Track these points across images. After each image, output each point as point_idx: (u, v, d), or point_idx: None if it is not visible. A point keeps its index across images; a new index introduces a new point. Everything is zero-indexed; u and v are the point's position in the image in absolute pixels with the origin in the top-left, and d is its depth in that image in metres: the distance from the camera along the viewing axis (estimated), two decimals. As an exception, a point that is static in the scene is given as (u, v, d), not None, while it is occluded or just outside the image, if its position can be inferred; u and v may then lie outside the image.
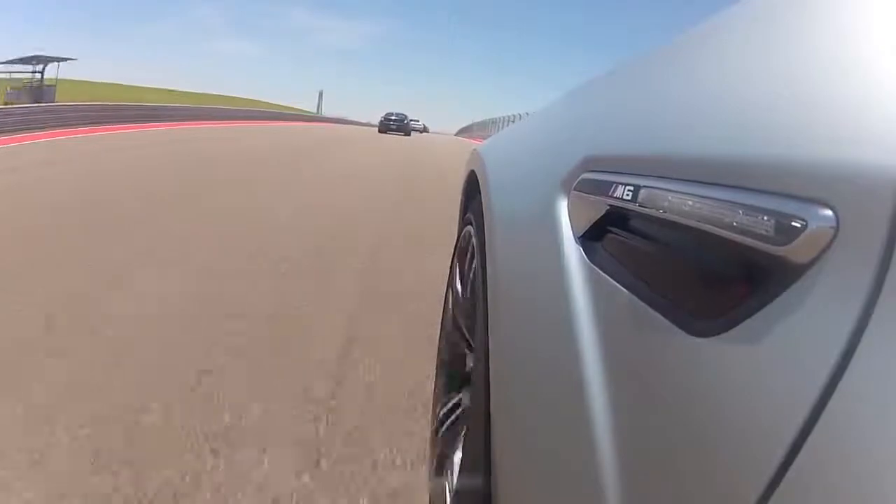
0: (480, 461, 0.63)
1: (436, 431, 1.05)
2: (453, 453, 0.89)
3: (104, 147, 7.59)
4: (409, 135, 25.02)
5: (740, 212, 0.27)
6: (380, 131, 24.56)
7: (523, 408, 0.52)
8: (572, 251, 0.47)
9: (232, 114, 18.46)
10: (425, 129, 41.18)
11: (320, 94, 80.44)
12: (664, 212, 0.35)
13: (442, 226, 3.11)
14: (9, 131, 8.03)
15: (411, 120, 28.51)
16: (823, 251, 0.23)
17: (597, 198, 0.46)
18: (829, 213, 0.23)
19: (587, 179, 0.49)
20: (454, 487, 0.76)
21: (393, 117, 25.96)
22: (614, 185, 0.42)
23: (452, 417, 1.00)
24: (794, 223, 0.24)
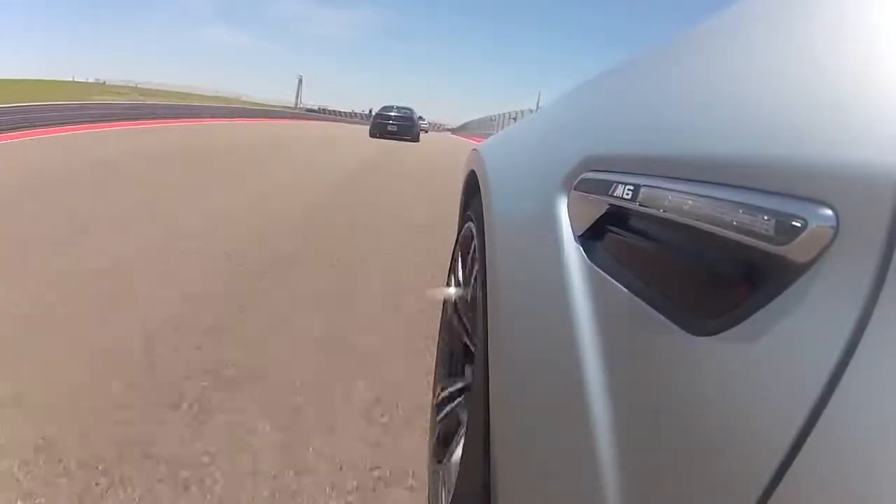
0: (480, 460, 0.63)
1: (434, 424, 1.05)
2: (453, 451, 0.89)
3: None
4: (417, 140, 15.65)
5: (740, 211, 0.27)
6: (371, 134, 15.32)
7: (523, 407, 0.52)
8: (572, 250, 0.47)
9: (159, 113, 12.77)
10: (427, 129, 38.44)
11: (299, 82, 72.27)
12: (664, 211, 0.35)
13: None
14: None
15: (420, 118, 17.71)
16: (823, 251, 0.23)
17: (597, 197, 0.46)
18: (829, 212, 0.23)
19: (587, 179, 0.49)
20: (453, 490, 0.76)
21: (393, 113, 15.87)
22: (614, 185, 0.42)
23: (452, 405, 1.00)
24: (794, 223, 0.24)
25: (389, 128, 15.30)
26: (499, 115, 27.60)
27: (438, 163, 8.71)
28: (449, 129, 56.56)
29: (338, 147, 10.45)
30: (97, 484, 0.99)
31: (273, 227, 3.07)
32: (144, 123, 10.28)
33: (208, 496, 0.99)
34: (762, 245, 0.26)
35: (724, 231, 0.28)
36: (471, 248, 1.06)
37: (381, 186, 5.30)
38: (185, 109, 15.85)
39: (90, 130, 7.87)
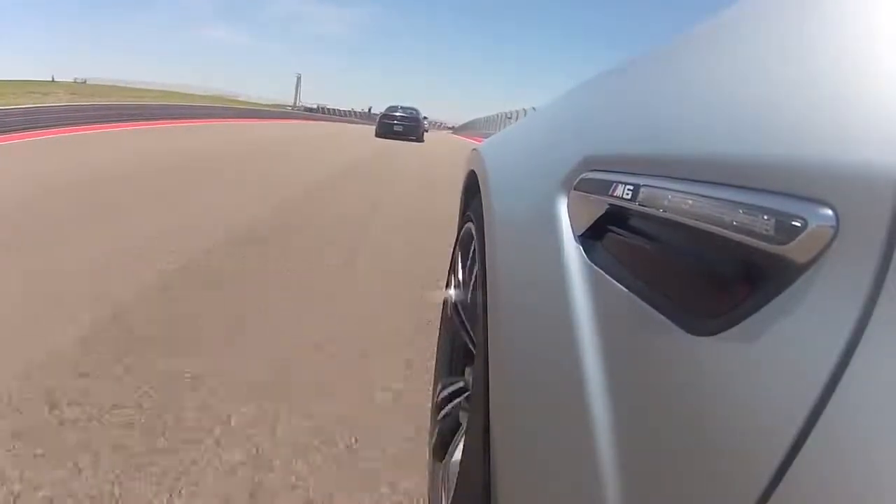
0: (480, 460, 0.63)
1: (434, 424, 1.05)
2: (453, 451, 0.89)
3: None
4: (421, 140, 15.87)
5: (740, 211, 0.27)
6: (377, 134, 15.50)
7: (523, 407, 0.52)
8: (572, 250, 0.47)
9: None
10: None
11: (298, 80, 72.25)
12: (664, 211, 0.35)
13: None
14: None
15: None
16: (823, 251, 0.23)
17: (597, 197, 0.46)
18: (829, 212, 0.23)
19: (587, 179, 0.49)
20: (453, 490, 0.76)
21: (398, 113, 16.17)
22: (614, 185, 0.42)
23: (451, 405, 1.00)
24: (793, 222, 0.24)
25: (395, 128, 15.51)
26: (516, 111, 21.12)
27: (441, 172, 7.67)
28: (449, 128, 55.58)
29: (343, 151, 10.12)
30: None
31: (275, 226, 3.10)
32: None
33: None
34: (762, 245, 0.26)
35: (724, 231, 0.28)
36: (471, 248, 1.06)
37: (381, 186, 5.34)
38: (138, 112, 11.38)
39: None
